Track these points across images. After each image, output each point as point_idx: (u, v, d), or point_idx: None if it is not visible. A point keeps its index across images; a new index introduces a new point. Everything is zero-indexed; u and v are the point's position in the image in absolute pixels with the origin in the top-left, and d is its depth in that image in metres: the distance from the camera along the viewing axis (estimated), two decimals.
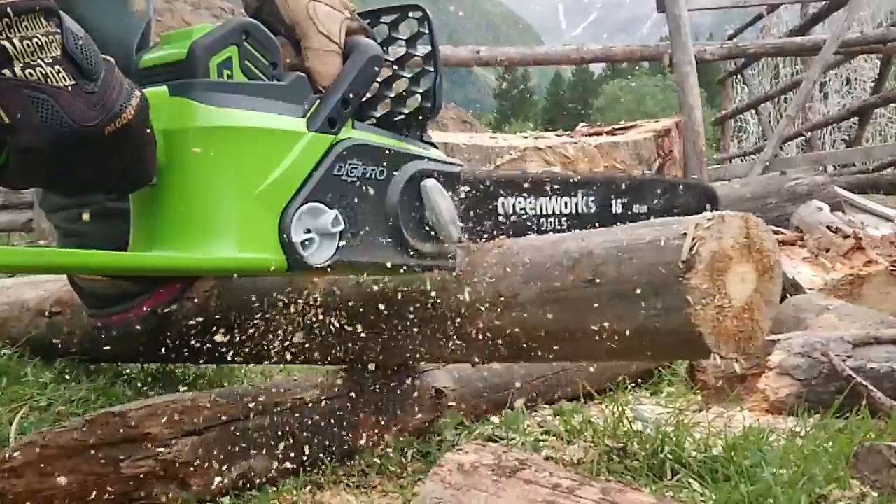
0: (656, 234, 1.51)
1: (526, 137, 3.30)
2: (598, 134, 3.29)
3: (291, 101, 1.40)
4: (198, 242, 1.30)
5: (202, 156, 1.31)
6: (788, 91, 13.15)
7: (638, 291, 1.50)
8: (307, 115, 1.40)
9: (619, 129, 3.33)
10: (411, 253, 1.55)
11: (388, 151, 1.51)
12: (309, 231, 1.37)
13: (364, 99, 1.55)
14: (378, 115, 1.64)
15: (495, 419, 2.11)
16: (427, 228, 1.58)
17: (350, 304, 1.81)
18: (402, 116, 1.63)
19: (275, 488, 1.70)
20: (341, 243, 1.42)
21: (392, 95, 1.64)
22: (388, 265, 1.52)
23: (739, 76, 15.11)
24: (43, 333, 2.39)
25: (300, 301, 1.87)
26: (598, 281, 1.56)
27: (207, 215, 1.31)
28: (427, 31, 1.61)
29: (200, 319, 2.00)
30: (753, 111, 15.09)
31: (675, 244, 1.47)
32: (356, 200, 1.45)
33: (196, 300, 2.05)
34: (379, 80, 1.59)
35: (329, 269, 1.42)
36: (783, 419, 2.09)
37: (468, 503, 1.26)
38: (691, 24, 8.72)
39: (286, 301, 1.89)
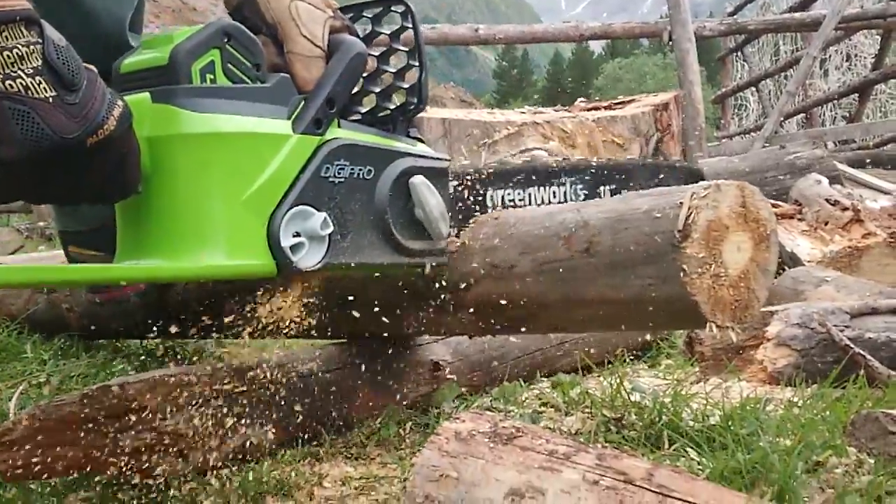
0: (652, 204, 1.51)
1: (524, 113, 3.29)
2: (597, 109, 3.28)
3: (276, 103, 1.38)
4: (186, 251, 1.29)
5: (187, 163, 1.29)
6: (789, 68, 13.10)
7: (633, 261, 1.50)
8: (292, 116, 1.39)
9: (618, 103, 3.32)
10: (402, 251, 1.55)
11: (375, 150, 1.50)
12: (298, 235, 1.36)
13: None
14: (363, 110, 1.63)
15: (493, 391, 2.11)
16: (417, 226, 1.57)
17: (347, 276, 1.81)
18: (387, 112, 1.61)
19: (273, 460, 1.70)
20: (331, 246, 1.41)
21: (377, 91, 1.63)
22: (379, 264, 1.52)
23: (739, 54, 15.06)
24: (42, 310, 2.39)
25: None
26: (593, 251, 1.56)
27: (195, 223, 1.30)
28: (410, 26, 1.60)
29: (198, 294, 2.00)
30: (753, 89, 15.05)
31: (671, 213, 1.47)
32: (344, 201, 1.44)
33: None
34: (363, 75, 1.57)
35: (319, 272, 1.42)
36: (781, 389, 2.09)
37: (465, 470, 1.26)
38: (691, 2, 8.68)
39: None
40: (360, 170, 1.46)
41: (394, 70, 1.63)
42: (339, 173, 1.43)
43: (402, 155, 1.55)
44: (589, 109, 3.31)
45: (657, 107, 3.13)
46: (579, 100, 3.59)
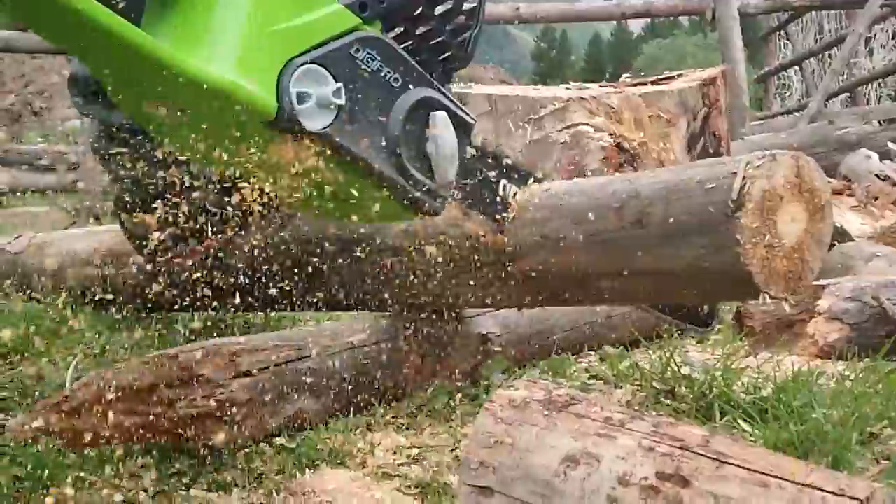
0: (706, 174, 1.50)
1: (569, 89, 3.27)
2: (643, 84, 3.25)
3: None
4: (199, 50, 1.26)
5: None
6: (833, 47, 12.88)
7: (686, 231, 1.50)
8: None
9: (664, 79, 3.28)
10: (402, 171, 1.48)
11: (410, 65, 1.47)
12: (308, 92, 1.34)
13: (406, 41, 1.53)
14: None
15: (541, 364, 2.11)
16: (424, 160, 1.51)
17: (395, 249, 1.82)
18: (433, 61, 1.59)
19: (326, 429, 1.72)
20: (337, 120, 1.37)
21: (428, 45, 1.61)
22: (377, 170, 1.45)
23: (782, 32, 14.84)
24: (95, 283, 2.43)
25: (347, 249, 1.89)
26: (645, 222, 1.55)
27: (217, 30, 1.29)
28: None
29: (251, 268, 2.02)
30: (797, 68, 14.82)
31: (725, 183, 1.46)
32: (364, 90, 1.41)
33: (246, 249, 2.07)
34: (420, 32, 1.56)
35: (316, 141, 1.37)
36: (832, 363, 2.07)
37: (520, 437, 1.27)
38: None
39: (333, 249, 1.90)
40: (390, 73, 1.44)
41: (450, 28, 1.61)
42: (368, 62, 1.41)
43: (435, 87, 1.52)
44: (635, 85, 3.28)
45: (704, 81, 3.09)
46: (624, 75, 3.55)
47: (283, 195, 1.50)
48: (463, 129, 1.55)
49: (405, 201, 1.51)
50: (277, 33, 1.31)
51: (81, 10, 1.13)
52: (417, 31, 1.54)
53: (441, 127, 1.50)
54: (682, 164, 2.91)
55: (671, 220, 1.52)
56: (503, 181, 1.79)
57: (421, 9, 1.51)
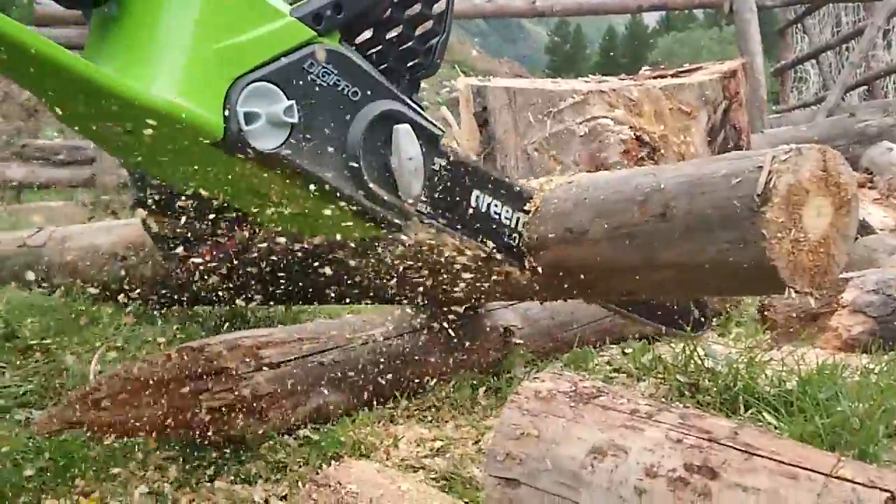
0: (731, 168, 1.49)
1: (588, 81, 3.26)
2: (663, 77, 3.23)
3: None
4: (140, 72, 1.23)
5: None
6: (850, 40, 12.80)
7: (710, 226, 1.49)
8: (295, 4, 1.36)
9: (684, 71, 3.27)
10: (363, 188, 1.43)
11: (370, 77, 1.43)
12: (257, 111, 1.30)
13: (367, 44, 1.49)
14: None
15: (564, 357, 2.11)
16: (387, 175, 1.46)
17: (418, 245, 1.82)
18: (398, 69, 1.53)
19: (350, 421, 1.73)
20: (290, 139, 1.33)
21: (395, 52, 1.56)
22: (334, 189, 1.40)
23: (799, 25, 14.75)
24: (116, 277, 2.44)
25: (367, 244, 1.89)
26: (669, 216, 1.54)
27: (159, 49, 1.25)
28: None
29: (271, 262, 2.03)
30: (814, 61, 14.74)
31: (751, 177, 1.45)
32: (320, 107, 1.37)
33: (267, 243, 2.07)
34: (388, 37, 1.52)
35: (268, 161, 1.32)
36: (856, 356, 2.07)
37: (546, 429, 1.27)
38: None
39: (354, 245, 1.90)
40: (347, 87, 1.40)
41: (418, 34, 1.57)
42: (323, 76, 1.36)
43: (398, 99, 1.47)
44: (655, 77, 3.26)
45: (725, 74, 3.07)
46: (644, 68, 3.54)
47: (245, 211, 1.47)
48: (429, 141, 1.51)
49: (366, 218, 1.46)
50: (224, 51, 1.28)
51: (16, 40, 1.11)
52: (387, 37, 1.50)
53: (404, 140, 1.45)
54: (702, 157, 2.90)
55: (695, 214, 1.51)
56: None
57: (389, 12, 1.46)
